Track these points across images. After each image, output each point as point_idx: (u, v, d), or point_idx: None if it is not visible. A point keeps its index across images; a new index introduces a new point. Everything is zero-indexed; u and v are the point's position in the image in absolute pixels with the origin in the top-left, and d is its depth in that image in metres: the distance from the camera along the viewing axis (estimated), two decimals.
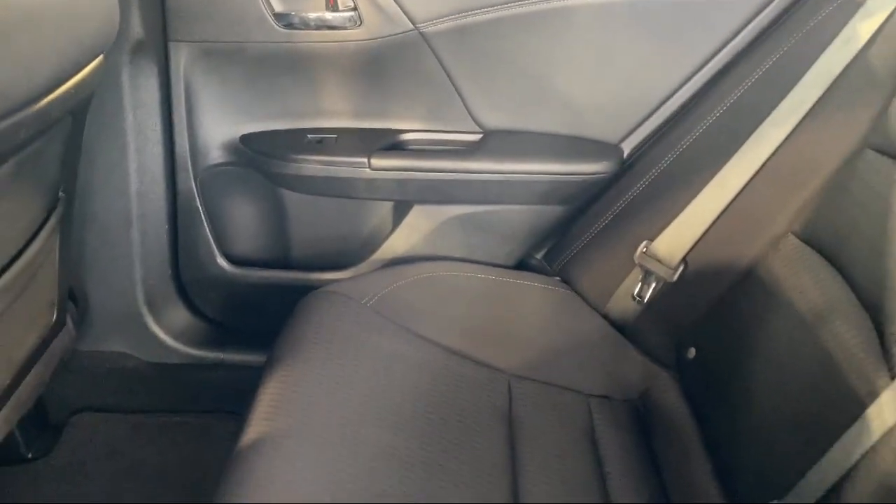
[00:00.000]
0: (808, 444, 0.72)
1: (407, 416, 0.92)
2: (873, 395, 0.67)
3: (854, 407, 0.68)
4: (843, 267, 0.81)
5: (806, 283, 0.85)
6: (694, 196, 1.06)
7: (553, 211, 1.23)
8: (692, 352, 1.01)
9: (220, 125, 1.24)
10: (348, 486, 0.79)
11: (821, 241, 0.87)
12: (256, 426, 0.85)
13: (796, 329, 0.82)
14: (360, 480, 0.80)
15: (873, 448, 0.62)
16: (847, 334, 0.75)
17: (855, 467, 0.63)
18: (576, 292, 1.21)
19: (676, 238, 1.07)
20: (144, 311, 1.32)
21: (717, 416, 0.92)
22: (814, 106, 0.95)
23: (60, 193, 1.05)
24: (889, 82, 0.86)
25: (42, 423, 1.34)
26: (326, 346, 1.01)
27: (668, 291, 1.08)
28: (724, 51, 1.12)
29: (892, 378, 0.66)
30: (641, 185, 1.15)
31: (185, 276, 1.34)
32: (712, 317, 1.00)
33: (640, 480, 0.94)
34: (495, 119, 1.22)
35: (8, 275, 0.92)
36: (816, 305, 0.81)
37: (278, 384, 0.93)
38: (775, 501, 0.72)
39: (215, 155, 1.26)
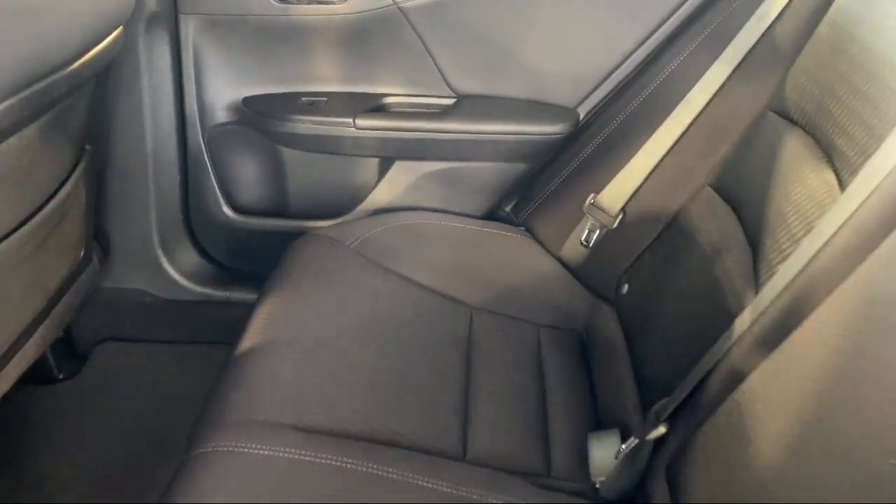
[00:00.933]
0: (695, 352, 0.87)
1: (379, 336, 1.07)
2: (741, 309, 0.81)
3: (728, 320, 0.83)
4: (738, 210, 0.95)
5: (711, 226, 0.99)
6: (633, 154, 1.20)
7: (517, 168, 1.38)
8: (626, 288, 1.16)
9: (224, 88, 1.38)
10: (327, 386, 0.95)
11: (727, 189, 1.01)
12: (251, 338, 1.01)
13: (698, 263, 0.97)
14: (337, 382, 0.96)
15: (730, 349, 0.77)
16: (732, 264, 0.89)
17: (716, 365, 0.78)
18: (535, 239, 1.35)
19: (618, 191, 1.21)
20: (159, 253, 1.48)
21: (641, 339, 1.07)
22: (730, 75, 1.09)
23: (86, 146, 1.21)
24: (791, 54, 0.99)
25: (70, 349, 1.50)
26: (314, 279, 1.16)
27: (609, 237, 1.22)
28: (667, 24, 1.26)
29: (755, 294, 0.80)
30: (593, 144, 1.29)
31: (194, 222, 1.50)
32: (643, 257, 1.15)
33: (574, 393, 1.09)
34: (467, 85, 1.36)
35: (42, 213, 1.08)
36: (715, 243, 0.95)
37: (271, 307, 1.09)
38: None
39: (220, 115, 1.40)
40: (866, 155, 0.74)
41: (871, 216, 0.66)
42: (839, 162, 0.80)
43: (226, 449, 0.81)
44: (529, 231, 1.38)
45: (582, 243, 1.26)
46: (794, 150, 0.89)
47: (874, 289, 0.60)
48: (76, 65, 0.91)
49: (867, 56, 0.81)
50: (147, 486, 1.26)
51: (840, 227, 0.69)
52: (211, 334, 1.54)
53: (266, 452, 0.81)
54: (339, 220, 1.44)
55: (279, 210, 1.48)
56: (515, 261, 1.31)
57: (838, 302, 0.63)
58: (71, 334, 1.51)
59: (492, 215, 1.44)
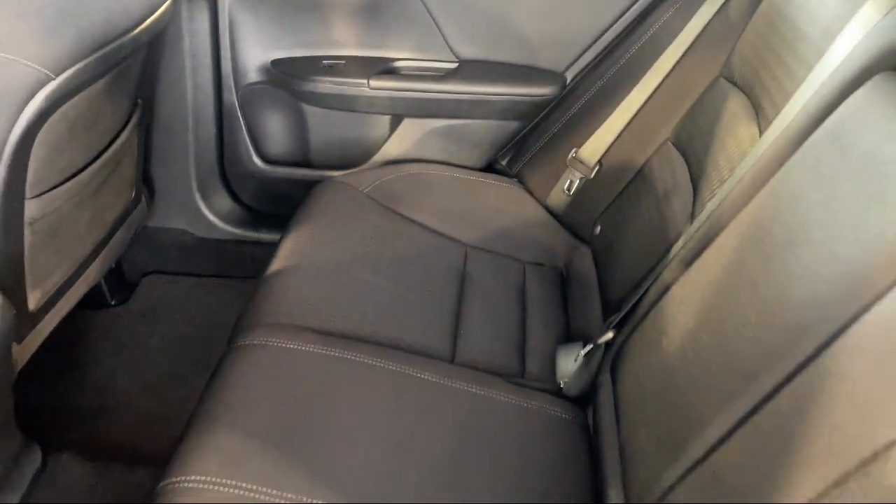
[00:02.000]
0: (643, 276, 1.04)
1: (385, 265, 1.25)
2: (678, 238, 0.98)
3: (669, 248, 1.00)
4: (687, 159, 1.11)
5: (666, 174, 1.15)
6: (610, 114, 1.36)
7: (511, 125, 1.54)
8: (598, 229, 1.33)
9: (255, 52, 1.55)
10: (341, 300, 1.13)
11: (681, 143, 1.17)
12: (278, 262, 1.20)
13: (654, 204, 1.13)
14: (349, 298, 1.14)
15: (663, 269, 0.94)
16: (678, 204, 1.06)
17: (653, 282, 0.95)
18: (526, 189, 1.52)
19: (595, 146, 1.37)
20: (197, 197, 1.66)
21: (608, 270, 1.24)
22: (691, 45, 1.24)
23: (138, 101, 1.38)
24: (739, 28, 1.14)
25: (121, 279, 1.70)
26: (331, 218, 1.34)
27: (587, 186, 1.39)
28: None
29: (690, 222, 0.97)
30: (577, 105, 1.45)
31: (228, 171, 1.68)
32: (613, 202, 1.31)
33: (551, 317, 1.26)
34: (468, 51, 1.52)
35: (104, 157, 1.26)
36: (668, 187, 1.12)
37: (295, 239, 1.27)
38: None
39: (252, 75, 1.57)
40: (778, 112, 0.90)
41: (768, 160, 0.83)
42: (762, 118, 0.96)
43: (258, 343, 1.00)
44: (521, 181, 1.54)
45: (564, 192, 1.42)
46: (734, 110, 1.05)
47: (759, 214, 0.77)
48: (137, 31, 1.08)
49: (789, 29, 0.96)
50: (187, 394, 1.46)
51: (748, 170, 0.86)
52: (242, 269, 1.73)
53: (290, 346, 1.00)
54: (354, 170, 1.61)
55: (302, 160, 1.65)
56: (507, 207, 1.48)
57: (735, 226, 0.80)
58: (121, 267, 1.70)
59: (489, 167, 1.61)
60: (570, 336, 1.24)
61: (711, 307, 0.77)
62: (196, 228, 1.69)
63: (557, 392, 1.08)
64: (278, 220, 1.67)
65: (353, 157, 1.62)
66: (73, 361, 1.50)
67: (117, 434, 1.32)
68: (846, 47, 0.79)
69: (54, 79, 0.92)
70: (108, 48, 1.00)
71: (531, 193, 1.51)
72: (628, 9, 1.42)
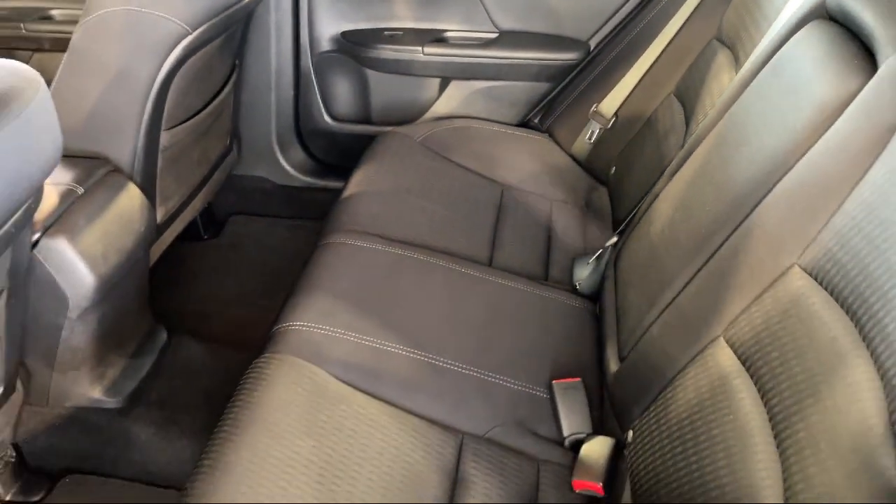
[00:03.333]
0: (644, 193, 1.28)
1: (435, 195, 1.50)
2: (671, 162, 1.22)
3: (664, 170, 1.24)
4: (684, 105, 1.35)
5: (667, 118, 1.39)
6: (626, 73, 1.59)
7: (543, 86, 1.78)
8: (613, 170, 1.56)
9: (329, 24, 1.81)
10: (400, 217, 1.39)
11: (681, 93, 1.40)
12: (349, 190, 1.47)
13: (655, 143, 1.37)
14: (406, 215, 1.40)
15: (656, 185, 1.18)
16: (673, 139, 1.30)
17: (650, 197, 1.20)
18: (555, 141, 1.76)
19: (613, 100, 1.61)
20: (276, 149, 1.93)
21: (619, 200, 1.48)
22: (692, 12, 1.47)
23: (236, 62, 1.66)
24: None
25: (212, 217, 1.99)
26: (391, 159, 1.60)
27: (605, 135, 1.62)
28: None
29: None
30: (598, 68, 1.69)
31: (302, 127, 1.95)
32: (626, 147, 1.55)
33: (571, 241, 1.50)
34: (507, 22, 1.76)
35: (212, 105, 1.54)
36: (666, 128, 1.36)
37: (362, 173, 1.53)
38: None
39: (325, 45, 1.84)
40: (747, 58, 1.13)
41: (733, 92, 1.07)
42: (738, 66, 1.19)
43: (340, 242, 1.27)
44: (551, 135, 1.79)
45: (586, 141, 1.66)
46: (720, 62, 1.28)
47: (722, 130, 1.01)
48: (241, 4, 1.35)
49: None
50: (270, 304, 1.72)
51: (720, 101, 1.09)
52: (312, 212, 2.00)
53: (363, 245, 1.27)
54: (408, 125, 1.87)
55: (365, 118, 1.92)
56: (538, 155, 1.72)
57: (706, 142, 1.04)
58: (212, 207, 1.99)
59: (523, 123, 1.85)
60: (585, 253, 1.48)
61: (684, 198, 1.02)
62: (274, 176, 1.97)
63: (573, 290, 1.33)
64: (344, 171, 1.93)
65: (408, 115, 1.88)
66: (178, 279, 1.80)
67: (219, 329, 1.61)
68: (795, 3, 1.02)
69: (191, 33, 1.20)
70: (228, 11, 1.28)
71: (559, 145, 1.75)
72: None
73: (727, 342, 0.82)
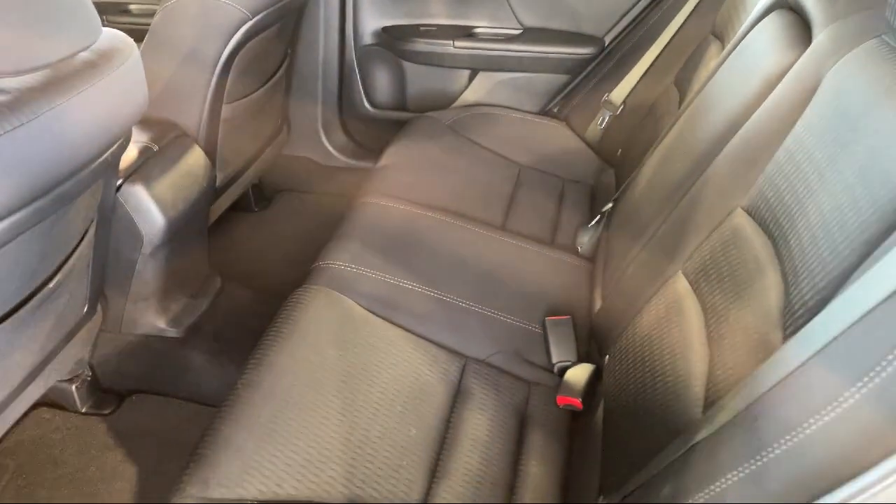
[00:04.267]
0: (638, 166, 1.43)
1: (457, 169, 1.67)
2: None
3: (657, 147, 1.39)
4: (679, 91, 1.49)
5: (665, 104, 1.54)
6: (633, 66, 1.74)
7: (561, 78, 1.94)
8: (619, 152, 1.72)
9: (371, 20, 2.01)
10: (427, 182, 1.56)
11: (679, 83, 1.55)
12: (384, 160, 1.65)
13: (653, 125, 1.52)
14: (432, 182, 1.57)
15: (648, 152, 1.33)
16: (667, 120, 1.44)
17: (643, 162, 1.35)
18: (570, 128, 1.92)
19: (621, 90, 1.76)
20: (321, 133, 2.13)
21: (621, 176, 1.63)
22: (692, 11, 1.61)
23: (288, 51, 1.87)
24: None
25: (261, 192, 2.19)
26: (421, 138, 1.78)
27: (614, 121, 1.78)
28: None
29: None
30: (611, 62, 1.84)
31: (345, 113, 2.14)
32: (630, 132, 1.70)
33: (579, 213, 1.66)
34: (530, 20, 1.93)
35: (267, 85, 1.73)
36: (663, 112, 1.50)
37: (396, 147, 1.71)
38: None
39: (367, 38, 2.03)
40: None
41: (710, 73, 1.22)
42: (723, 53, 1.34)
43: (372, 201, 1.45)
44: (567, 123, 1.95)
45: (598, 127, 1.82)
46: (712, 53, 1.43)
47: (696, 103, 1.16)
48: None
49: None
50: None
51: (701, 82, 1.24)
52: (351, 190, 2.18)
53: (391, 205, 1.44)
54: (439, 111, 2.04)
55: (401, 105, 2.10)
56: (554, 140, 1.88)
57: (684, 116, 1.19)
58: (263, 183, 2.19)
59: (542, 111, 2.01)
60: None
61: (662, 160, 1.17)
62: (318, 157, 2.17)
63: (575, 253, 1.49)
64: (380, 153, 2.13)
65: (440, 103, 2.06)
66: (231, 244, 2.00)
67: (265, 283, 1.80)
68: None
69: (251, 19, 1.40)
70: (278, 5, 1.47)
71: (574, 131, 1.90)
72: None
73: (683, 273, 0.98)
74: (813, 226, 0.72)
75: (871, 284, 0.55)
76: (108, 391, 1.48)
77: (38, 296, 1.03)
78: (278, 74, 1.80)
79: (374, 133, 2.17)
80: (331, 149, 2.16)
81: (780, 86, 0.92)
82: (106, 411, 1.45)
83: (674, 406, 0.84)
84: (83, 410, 1.44)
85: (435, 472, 0.99)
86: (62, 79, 0.85)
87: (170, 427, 1.44)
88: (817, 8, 0.94)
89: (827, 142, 0.76)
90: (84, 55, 0.89)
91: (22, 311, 0.99)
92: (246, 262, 1.93)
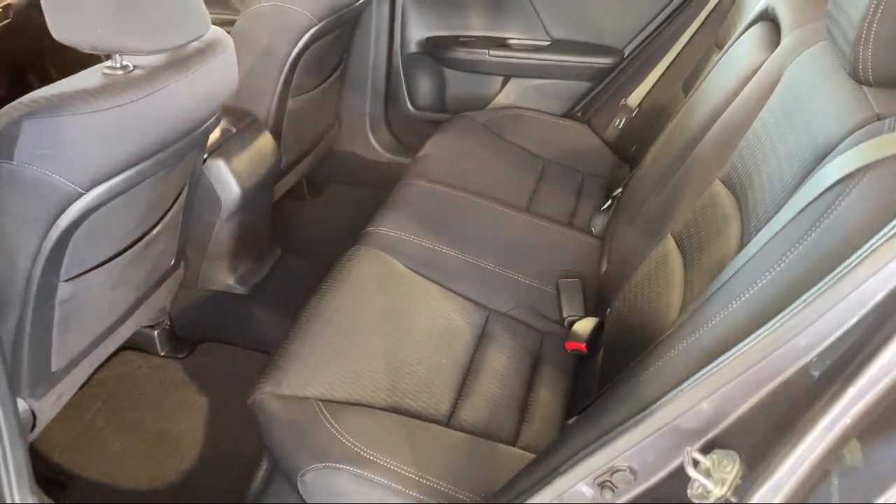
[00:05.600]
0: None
1: (487, 160, 1.88)
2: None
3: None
4: (686, 95, 1.68)
5: (672, 107, 1.72)
6: (649, 73, 1.93)
7: (584, 85, 2.14)
8: (633, 149, 1.90)
9: (416, 31, 2.23)
10: (461, 171, 1.77)
11: (686, 88, 1.73)
12: (424, 150, 1.86)
13: (660, 128, 1.70)
14: (464, 171, 1.78)
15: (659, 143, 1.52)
16: (674, 119, 1.63)
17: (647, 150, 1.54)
18: (591, 129, 2.11)
19: (638, 95, 1.95)
20: (368, 130, 2.35)
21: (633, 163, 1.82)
22: (700, 25, 1.80)
23: (342, 57, 2.09)
24: (726, 12, 1.70)
25: (313, 182, 2.41)
26: (457, 135, 1.99)
27: (630, 122, 1.97)
28: None
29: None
30: (630, 71, 2.03)
31: (390, 113, 2.36)
32: (643, 132, 1.88)
33: (597, 203, 1.84)
34: (558, 32, 2.14)
35: (323, 85, 1.96)
36: (670, 113, 1.69)
37: (435, 139, 1.92)
38: None
39: (412, 47, 2.25)
40: None
41: (705, 73, 1.40)
42: None
43: (412, 183, 1.66)
44: (588, 124, 2.14)
45: (616, 127, 2.01)
46: (712, 61, 1.61)
47: (692, 100, 1.35)
48: (356, 5, 1.78)
49: (744, 4, 1.52)
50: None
51: (700, 80, 1.43)
52: (393, 183, 2.40)
53: (429, 186, 1.65)
54: (474, 111, 2.25)
55: (440, 107, 2.32)
56: (575, 139, 2.07)
57: (682, 111, 1.38)
58: (315, 175, 2.42)
59: (567, 114, 2.21)
60: None
61: (661, 148, 1.36)
62: (365, 153, 2.38)
63: (589, 233, 1.67)
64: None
65: (475, 105, 2.26)
66: (287, 227, 2.22)
67: (318, 256, 2.02)
68: (755, 6, 1.35)
69: (317, 24, 1.63)
70: (342, 11, 1.70)
71: (594, 132, 2.10)
72: (668, 4, 1.99)
73: (671, 235, 1.16)
74: (763, 181, 0.91)
75: (783, 214, 0.74)
76: (182, 339, 1.70)
77: (144, 240, 1.26)
78: (334, 76, 2.03)
79: (415, 132, 2.38)
80: (376, 145, 2.37)
81: (752, 80, 1.11)
82: (181, 356, 1.67)
83: (655, 337, 1.03)
84: (162, 354, 1.67)
85: (461, 392, 1.18)
86: (179, 61, 1.08)
87: (233, 371, 1.65)
88: (787, 18, 1.13)
89: (780, 120, 0.95)
90: (195, 44, 1.12)
91: (134, 249, 1.22)
92: (300, 241, 2.15)
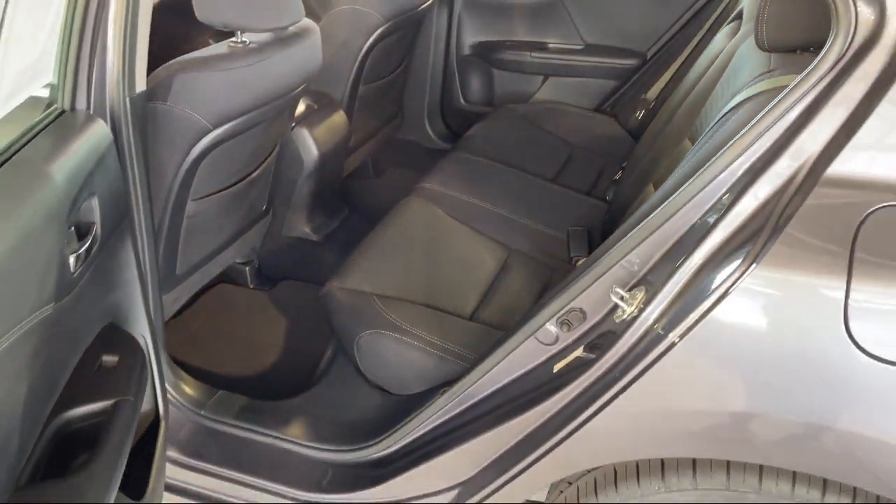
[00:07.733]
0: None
1: (524, 144, 2.18)
2: None
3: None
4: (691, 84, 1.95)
5: (679, 98, 2.00)
6: (666, 70, 2.21)
7: (611, 83, 2.43)
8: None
9: (469, 36, 2.57)
10: (491, 148, 2.08)
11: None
12: (471, 131, 2.18)
13: (669, 115, 1.98)
14: (498, 148, 2.09)
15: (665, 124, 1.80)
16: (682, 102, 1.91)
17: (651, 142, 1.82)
18: (617, 121, 2.40)
19: (655, 89, 2.23)
20: (426, 121, 2.69)
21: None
22: (709, 27, 2.07)
23: (405, 58, 2.44)
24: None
25: (377, 167, 2.76)
26: (499, 122, 2.31)
27: (647, 112, 2.24)
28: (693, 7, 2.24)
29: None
30: (650, 70, 2.31)
31: (444, 106, 2.70)
32: (658, 120, 2.16)
33: (604, 182, 2.13)
34: (591, 38, 2.44)
35: (388, 77, 2.31)
36: (682, 99, 1.97)
37: (480, 125, 2.25)
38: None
39: (466, 50, 2.59)
40: None
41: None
42: None
43: (458, 154, 1.99)
44: (615, 118, 2.42)
45: (636, 118, 2.28)
46: None
47: (685, 82, 1.63)
48: (422, 7, 2.12)
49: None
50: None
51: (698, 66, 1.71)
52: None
53: (469, 157, 1.97)
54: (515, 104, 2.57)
55: (488, 101, 2.64)
56: (602, 129, 2.36)
57: (679, 88, 1.66)
58: (378, 159, 2.76)
59: (596, 109, 2.50)
60: None
61: (660, 117, 1.64)
62: (422, 141, 2.73)
63: (604, 200, 1.95)
64: None
65: (518, 99, 2.57)
66: (351, 199, 2.57)
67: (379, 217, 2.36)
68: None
69: (385, 24, 1.98)
70: (407, 13, 2.05)
71: (620, 124, 2.38)
72: (688, 9, 2.27)
73: (652, 183, 1.45)
74: (704, 123, 1.19)
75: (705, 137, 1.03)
76: (267, 276, 2.06)
77: (246, 180, 1.62)
78: (398, 72, 2.38)
79: (466, 123, 2.70)
80: (432, 134, 2.71)
81: (717, 60, 1.39)
82: (265, 288, 2.03)
83: None
84: (251, 286, 2.03)
85: (483, 299, 1.49)
86: (281, 40, 1.44)
87: (307, 303, 1.99)
88: (746, 11, 1.41)
89: (723, 84, 1.23)
90: (292, 28, 1.47)
91: (240, 185, 1.58)
92: (363, 208, 2.50)
